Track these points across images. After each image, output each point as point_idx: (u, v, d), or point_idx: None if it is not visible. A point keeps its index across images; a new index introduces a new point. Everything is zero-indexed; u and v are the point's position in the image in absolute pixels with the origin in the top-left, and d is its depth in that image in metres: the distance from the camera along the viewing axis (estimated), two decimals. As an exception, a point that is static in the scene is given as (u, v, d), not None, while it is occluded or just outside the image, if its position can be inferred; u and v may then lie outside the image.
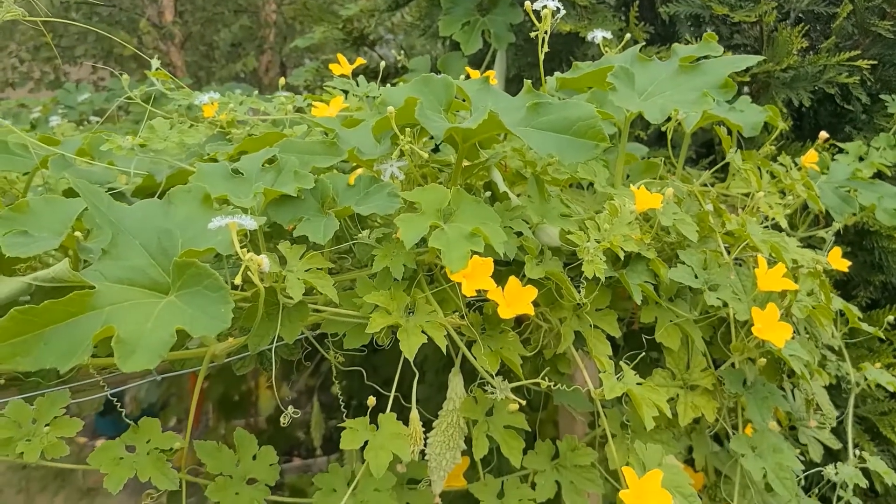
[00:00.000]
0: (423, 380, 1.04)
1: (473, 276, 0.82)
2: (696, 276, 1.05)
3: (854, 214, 1.77)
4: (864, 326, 1.33)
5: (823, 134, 1.60)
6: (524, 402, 0.92)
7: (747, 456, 1.05)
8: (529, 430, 0.95)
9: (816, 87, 2.26)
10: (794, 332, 1.25)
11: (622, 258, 1.01)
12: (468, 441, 0.96)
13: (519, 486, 0.98)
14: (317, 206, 0.91)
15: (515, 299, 0.88)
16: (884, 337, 1.41)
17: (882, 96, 2.24)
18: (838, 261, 1.37)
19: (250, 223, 0.75)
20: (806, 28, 2.04)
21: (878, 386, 1.37)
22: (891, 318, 1.58)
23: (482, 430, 0.92)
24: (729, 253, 1.14)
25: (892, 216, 1.78)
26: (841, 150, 1.94)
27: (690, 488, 0.93)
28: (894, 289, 2.03)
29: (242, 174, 0.92)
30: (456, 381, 0.96)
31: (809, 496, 1.34)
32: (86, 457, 0.85)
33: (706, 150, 2.27)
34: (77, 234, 0.90)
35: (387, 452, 0.81)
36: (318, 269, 0.84)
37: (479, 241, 0.82)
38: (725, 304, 1.07)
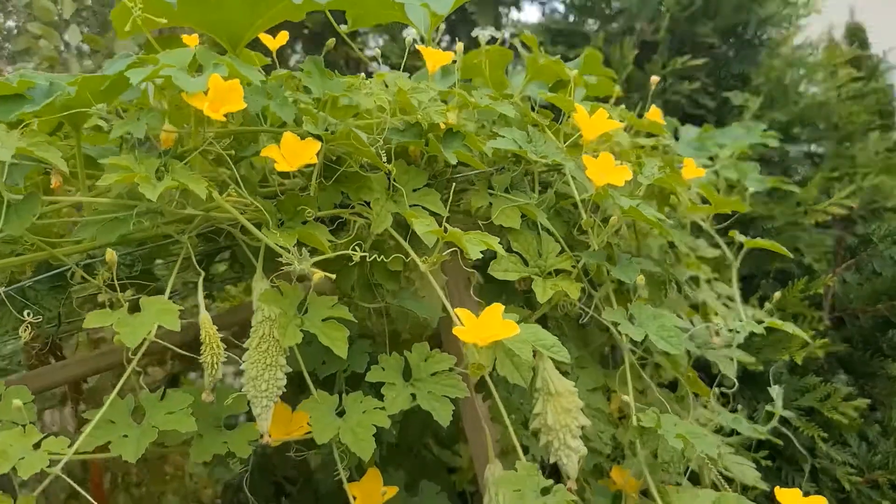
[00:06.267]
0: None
1: (219, 99, 0.69)
2: (519, 147, 0.95)
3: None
4: (730, 203, 1.24)
5: (655, 78, 1.56)
6: (333, 276, 0.77)
7: (623, 324, 0.90)
8: (355, 320, 0.80)
9: (666, 100, 2.35)
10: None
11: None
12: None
13: (362, 398, 0.81)
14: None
15: (294, 153, 0.75)
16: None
17: (725, 94, 2.34)
18: (694, 169, 1.28)
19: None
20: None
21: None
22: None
23: (293, 321, 0.76)
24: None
25: (759, 181, 1.77)
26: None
27: (555, 340, 0.78)
28: (798, 269, 1.98)
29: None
30: (261, 285, 0.81)
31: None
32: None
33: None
34: None
35: (145, 326, 0.64)
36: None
37: (223, 69, 0.71)
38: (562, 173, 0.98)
